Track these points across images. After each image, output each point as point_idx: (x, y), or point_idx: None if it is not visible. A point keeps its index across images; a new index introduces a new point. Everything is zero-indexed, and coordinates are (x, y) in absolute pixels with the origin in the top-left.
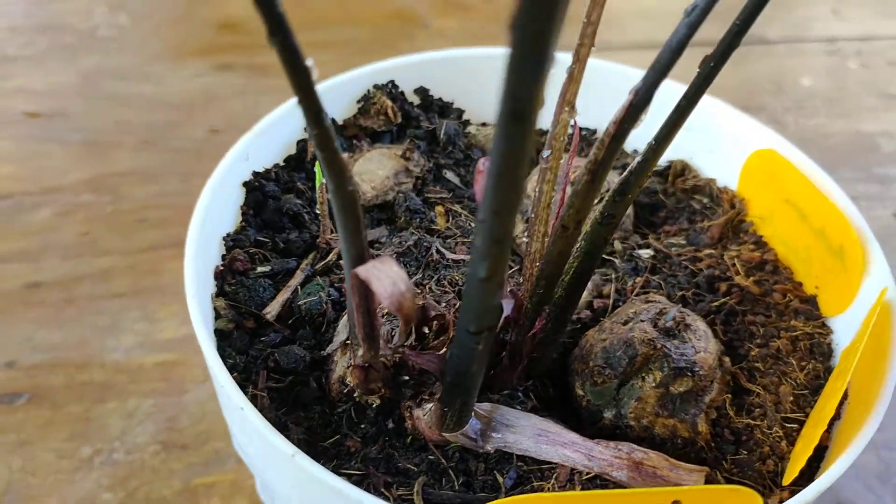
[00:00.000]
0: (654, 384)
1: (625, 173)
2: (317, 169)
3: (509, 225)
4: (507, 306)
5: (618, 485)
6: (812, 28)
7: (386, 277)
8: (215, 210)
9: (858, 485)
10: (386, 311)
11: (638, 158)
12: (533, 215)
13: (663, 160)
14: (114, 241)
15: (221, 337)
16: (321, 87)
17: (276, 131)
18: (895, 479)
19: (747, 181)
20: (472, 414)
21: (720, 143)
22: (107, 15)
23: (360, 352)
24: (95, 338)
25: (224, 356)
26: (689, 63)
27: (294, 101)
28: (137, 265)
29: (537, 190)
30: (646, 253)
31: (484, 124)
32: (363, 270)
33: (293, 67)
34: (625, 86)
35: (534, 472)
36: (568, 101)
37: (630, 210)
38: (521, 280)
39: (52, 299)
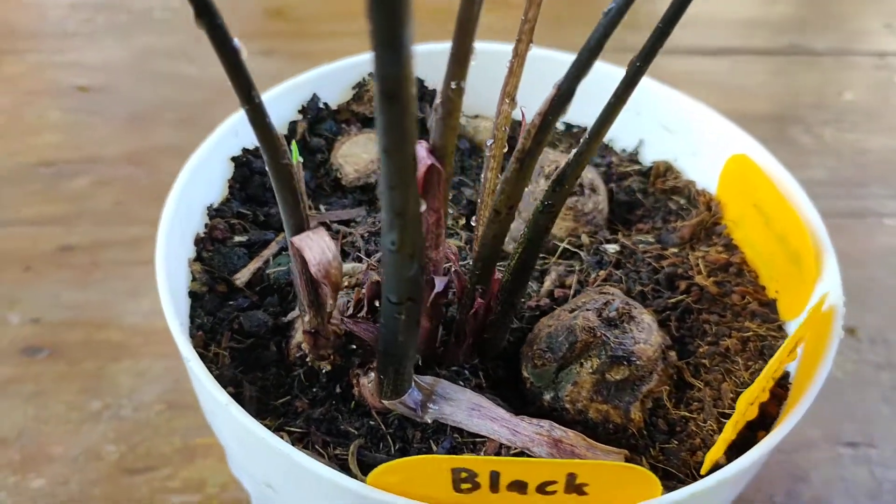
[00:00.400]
0: (591, 370)
1: (562, 165)
2: (293, 147)
3: (407, 198)
4: (440, 283)
5: None
6: (862, 41)
7: (316, 246)
8: (202, 181)
9: (849, 501)
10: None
11: (574, 151)
12: (479, 201)
13: (647, 161)
14: (145, 211)
15: (195, 298)
16: (318, 73)
17: (268, 111)
18: (886, 497)
19: (725, 185)
20: (413, 385)
21: (702, 147)
22: None
23: (307, 318)
24: (117, 301)
25: (194, 316)
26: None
27: (288, 83)
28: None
29: (483, 177)
30: (612, 248)
31: (476, 116)
32: (297, 240)
33: (221, 46)
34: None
35: (466, 444)
36: (508, 93)
37: (605, 206)
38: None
39: (81, 262)
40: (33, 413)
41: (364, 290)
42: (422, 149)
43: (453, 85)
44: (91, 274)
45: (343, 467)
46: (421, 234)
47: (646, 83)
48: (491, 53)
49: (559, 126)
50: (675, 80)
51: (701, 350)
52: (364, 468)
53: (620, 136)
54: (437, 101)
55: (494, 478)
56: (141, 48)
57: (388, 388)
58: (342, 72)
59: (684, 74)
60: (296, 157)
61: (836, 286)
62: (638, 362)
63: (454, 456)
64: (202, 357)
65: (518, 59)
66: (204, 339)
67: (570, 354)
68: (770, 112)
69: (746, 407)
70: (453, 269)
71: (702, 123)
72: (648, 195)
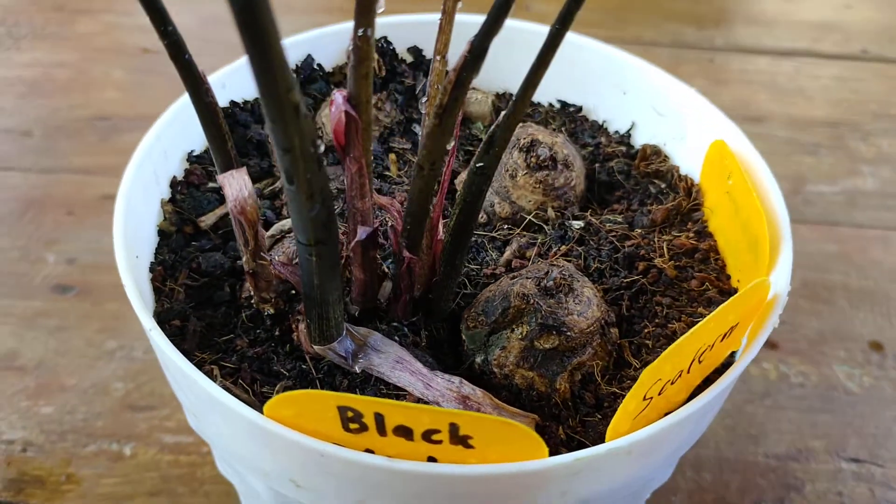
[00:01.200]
0: (520, 336)
1: (492, 127)
2: None
3: (289, 133)
4: (362, 232)
5: None
6: None
7: (236, 184)
8: (184, 127)
9: None
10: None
11: (503, 113)
12: (414, 160)
13: (639, 143)
14: None
15: (162, 237)
16: (316, 34)
17: None
18: None
19: (707, 171)
20: (347, 334)
21: (689, 132)
22: None
23: (244, 259)
24: None
25: (158, 252)
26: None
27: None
28: None
29: (420, 135)
30: (577, 224)
31: (473, 88)
32: (221, 177)
33: None
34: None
35: (390, 395)
36: (439, 50)
37: (579, 183)
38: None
39: None
40: (54, 346)
41: None
42: (339, 97)
43: (360, 32)
44: None
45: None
46: (318, 173)
47: (637, 64)
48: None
49: (554, 104)
50: (731, 78)
51: (647, 331)
52: None
53: (615, 117)
54: (349, 47)
55: (379, 420)
56: (207, 16)
57: (316, 333)
58: (340, 34)
59: (741, 73)
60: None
61: (784, 276)
62: (569, 333)
63: (340, 393)
64: (157, 291)
65: (446, 16)
66: (163, 274)
67: (502, 319)
68: (828, 117)
69: (652, 381)
70: (391, 224)
71: (689, 108)
72: (630, 177)
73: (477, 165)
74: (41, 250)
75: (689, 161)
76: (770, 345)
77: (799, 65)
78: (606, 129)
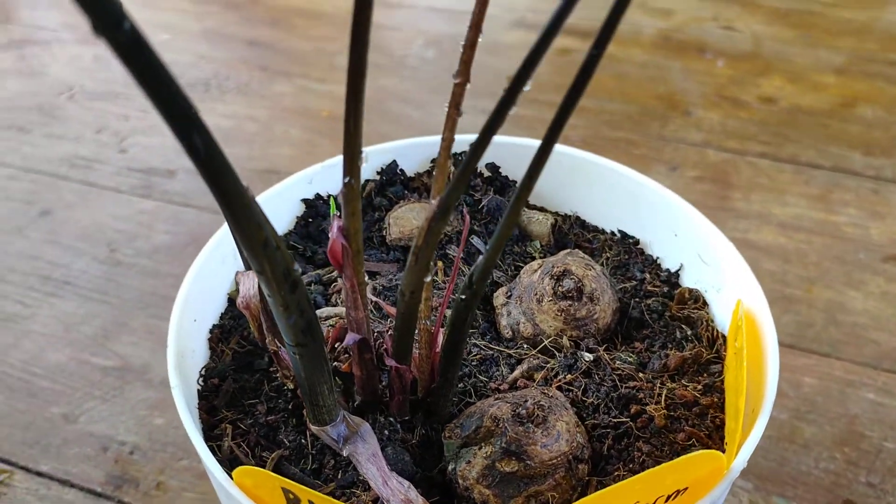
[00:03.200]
0: (485, 455)
1: (470, 270)
2: (331, 202)
3: (262, 263)
4: (349, 338)
5: None
6: None
7: (248, 283)
8: (269, 216)
9: None
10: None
11: (481, 257)
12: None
13: (685, 285)
14: None
15: (230, 304)
16: (403, 143)
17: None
18: None
19: (731, 327)
20: (343, 420)
21: (725, 284)
22: (420, 48)
23: (268, 339)
24: None
25: (222, 316)
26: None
27: (375, 147)
28: None
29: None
30: (588, 356)
31: (532, 206)
32: (240, 274)
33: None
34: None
35: (361, 483)
36: (434, 193)
37: (603, 317)
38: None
39: None
40: None
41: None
42: (336, 228)
43: (346, 180)
44: None
45: (261, 467)
46: (291, 293)
47: (687, 209)
48: (531, 147)
49: (616, 233)
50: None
51: (617, 473)
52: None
53: (668, 256)
54: (340, 190)
55: None
56: (383, 89)
57: (310, 416)
58: (426, 146)
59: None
60: (333, 210)
61: (744, 456)
62: (529, 462)
63: (283, 478)
64: (212, 350)
65: (444, 151)
66: (218, 336)
67: (474, 435)
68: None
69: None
70: (388, 332)
71: (727, 262)
72: (662, 318)
73: (460, 297)
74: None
75: (723, 313)
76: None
77: None
78: (659, 265)
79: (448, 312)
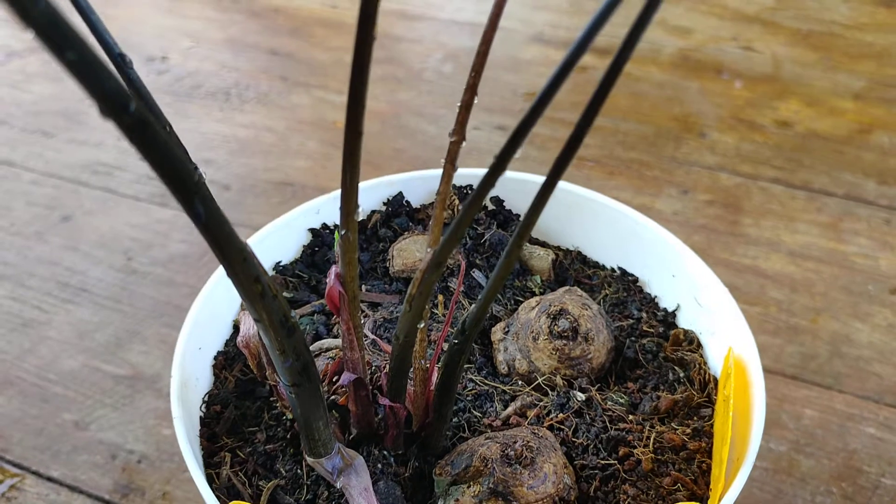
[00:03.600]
0: (473, 494)
1: (462, 318)
2: (335, 235)
3: (259, 311)
4: (345, 378)
5: None
6: None
7: (247, 321)
8: (277, 242)
9: None
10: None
11: (473, 306)
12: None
13: (682, 325)
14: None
15: (235, 329)
16: (408, 176)
17: (360, 198)
18: None
19: (724, 372)
20: (338, 452)
21: (718, 329)
22: (438, 61)
23: (268, 372)
24: None
25: (227, 344)
26: None
27: (382, 178)
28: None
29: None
30: (580, 396)
31: (534, 241)
32: (240, 314)
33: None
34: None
35: None
36: (430, 244)
37: (597, 356)
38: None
39: None
40: None
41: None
42: (333, 274)
43: (342, 233)
44: None
45: (257, 496)
46: (288, 338)
47: (683, 252)
48: (535, 183)
49: (616, 269)
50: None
51: None
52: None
53: (665, 295)
54: (337, 243)
55: None
56: (399, 103)
57: (307, 448)
58: (432, 179)
59: None
60: (337, 241)
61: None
62: (515, 503)
63: None
64: (216, 377)
65: (440, 203)
66: (222, 363)
67: (463, 474)
68: None
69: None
70: (384, 369)
71: (722, 307)
72: (656, 358)
73: (453, 342)
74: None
75: (717, 356)
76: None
77: None
78: (657, 303)
79: (445, 346)
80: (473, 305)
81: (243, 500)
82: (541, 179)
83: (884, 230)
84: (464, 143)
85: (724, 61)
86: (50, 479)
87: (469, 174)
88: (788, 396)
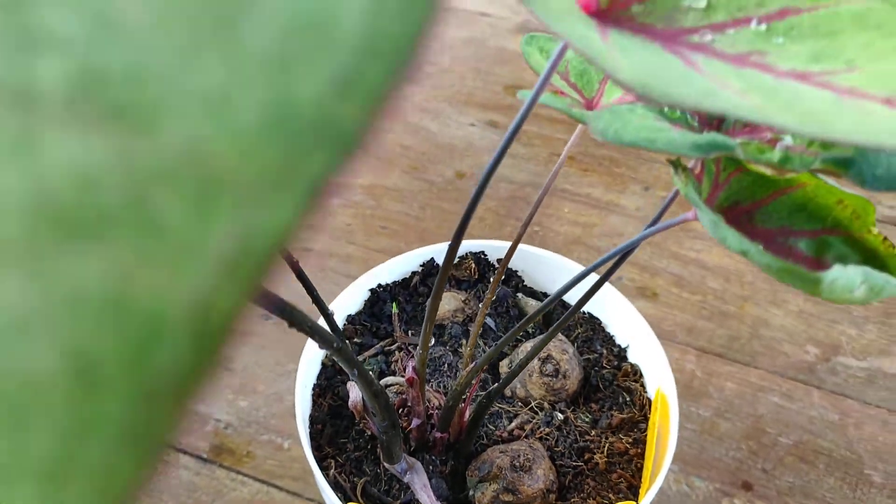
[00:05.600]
0: (492, 490)
1: (481, 397)
2: (393, 306)
3: (369, 396)
4: (415, 422)
5: None
6: None
7: (355, 391)
8: (349, 300)
9: None
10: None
11: (496, 386)
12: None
13: (632, 359)
14: (360, 237)
15: (323, 367)
16: (438, 247)
17: (403, 263)
18: None
19: (656, 397)
20: (404, 459)
21: (650, 368)
22: (434, 53)
23: (359, 407)
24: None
25: (318, 377)
26: None
27: (417, 251)
28: (369, 259)
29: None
30: (560, 416)
31: (531, 293)
32: (350, 384)
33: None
34: (614, 300)
35: (417, 502)
36: (467, 355)
37: (572, 387)
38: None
39: (311, 264)
40: (255, 359)
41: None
42: (410, 367)
43: (419, 351)
44: (315, 276)
45: (353, 488)
46: (385, 406)
47: (629, 311)
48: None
49: (585, 313)
50: None
51: (573, 500)
52: (364, 495)
53: (620, 335)
54: (409, 369)
55: None
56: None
57: (385, 457)
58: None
59: None
60: (395, 309)
61: (646, 501)
62: (519, 495)
63: None
64: (315, 403)
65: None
66: (318, 392)
67: (486, 476)
68: None
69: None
70: (433, 408)
71: (652, 354)
72: (611, 386)
73: (481, 399)
74: None
75: (652, 385)
76: (745, 485)
77: None
78: (614, 340)
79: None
80: (496, 385)
81: (344, 492)
82: (538, 251)
83: None
84: (459, 138)
85: None
86: None
87: (481, 245)
88: (715, 372)
